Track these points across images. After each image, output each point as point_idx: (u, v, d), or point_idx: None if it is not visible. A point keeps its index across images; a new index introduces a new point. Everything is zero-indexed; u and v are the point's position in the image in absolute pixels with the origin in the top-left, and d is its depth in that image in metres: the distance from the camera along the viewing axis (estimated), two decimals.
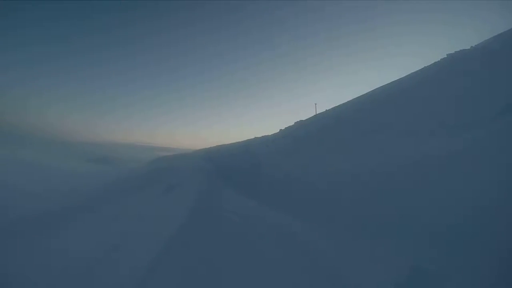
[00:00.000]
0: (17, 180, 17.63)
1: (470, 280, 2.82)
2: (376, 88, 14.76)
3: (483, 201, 3.50)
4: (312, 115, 19.76)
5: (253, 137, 17.63)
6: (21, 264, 5.95)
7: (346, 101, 14.28)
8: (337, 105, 14.72)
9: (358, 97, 13.92)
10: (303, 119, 19.56)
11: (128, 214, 9.32)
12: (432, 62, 12.75)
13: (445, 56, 11.96)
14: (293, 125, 16.75)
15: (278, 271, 3.65)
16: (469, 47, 11.61)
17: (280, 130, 16.97)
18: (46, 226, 8.68)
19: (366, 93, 14.63)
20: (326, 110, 15.74)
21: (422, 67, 13.33)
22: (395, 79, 14.49)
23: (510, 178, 3.59)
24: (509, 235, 2.95)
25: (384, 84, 15.00)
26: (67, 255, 6.07)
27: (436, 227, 3.59)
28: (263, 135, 17.48)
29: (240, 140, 18.69)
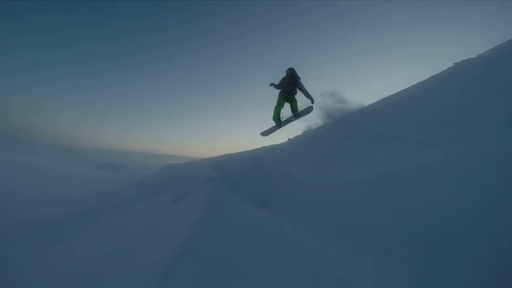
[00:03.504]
0: (25, 184, 18.10)
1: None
2: (383, 98, 14.82)
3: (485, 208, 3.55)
4: (320, 124, 19.84)
5: (261, 146, 17.71)
6: (29, 268, 6.15)
7: (353, 110, 14.33)
8: (345, 113, 14.80)
9: (365, 106, 13.97)
10: (312, 128, 19.63)
11: (136, 222, 9.38)
12: (440, 71, 12.83)
13: (452, 65, 12.03)
14: (301, 134, 16.84)
15: (287, 281, 3.70)
16: (475, 56, 11.69)
17: (289, 139, 17.05)
18: (53, 231, 8.89)
19: (373, 103, 14.66)
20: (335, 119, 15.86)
21: (430, 76, 13.40)
22: (403, 88, 14.55)
23: None
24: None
25: (392, 93, 15.07)
26: (75, 261, 6.26)
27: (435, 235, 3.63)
28: (271, 144, 17.58)
29: (248, 149, 18.83)
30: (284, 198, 7.35)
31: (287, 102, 7.29)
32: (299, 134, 16.68)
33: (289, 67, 7.10)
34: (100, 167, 53.90)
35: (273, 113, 7.55)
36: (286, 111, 8.17)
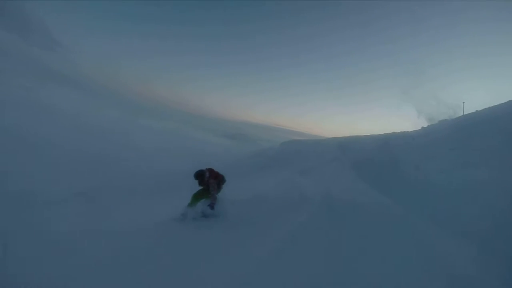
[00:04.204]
0: (159, 144, 20.99)
1: None
2: None
3: None
4: (459, 115, 17.70)
5: (391, 131, 16.83)
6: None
7: (498, 103, 12.25)
8: (488, 106, 12.77)
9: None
10: (448, 118, 17.68)
11: (257, 190, 10.06)
12: None
13: None
14: (437, 123, 15.40)
15: (409, 273, 3.58)
16: None
17: (422, 127, 15.80)
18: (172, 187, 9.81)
19: None
20: (476, 111, 13.85)
21: None
22: None
23: None
24: None
25: None
26: None
27: None
28: (402, 130, 16.57)
29: (375, 133, 18.14)
30: (412, 191, 6.98)
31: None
32: (434, 123, 15.32)
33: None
34: (227, 136, 58.78)
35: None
36: None
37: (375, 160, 10.36)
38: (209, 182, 5.68)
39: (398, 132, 15.83)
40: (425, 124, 16.19)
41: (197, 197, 5.80)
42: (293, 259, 3.90)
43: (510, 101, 12.23)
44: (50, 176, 8.58)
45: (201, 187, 5.83)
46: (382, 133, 16.85)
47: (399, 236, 4.77)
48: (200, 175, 5.72)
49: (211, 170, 5.97)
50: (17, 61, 31.77)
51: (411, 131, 15.89)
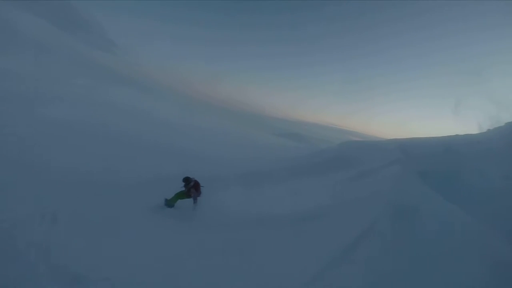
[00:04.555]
0: (209, 146, 21.62)
1: None
2: None
3: None
4: None
5: (454, 133, 16.34)
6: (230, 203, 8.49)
7: None
8: None
9: None
10: None
11: (320, 192, 10.37)
12: None
13: None
14: (503, 126, 14.81)
15: (476, 281, 3.77)
16: None
17: (488, 130, 15.28)
18: (250, 184, 10.87)
19: None
20: None
21: None
22: None
23: None
24: None
25: None
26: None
27: None
28: (466, 133, 16.10)
29: (437, 135, 17.67)
30: (478, 198, 7.12)
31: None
32: (500, 125, 14.74)
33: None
34: (283, 135, 58.81)
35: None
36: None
37: (438, 164, 10.29)
38: (191, 190, 7.84)
39: (462, 135, 15.39)
40: (491, 126, 15.53)
41: (178, 196, 7.85)
42: (361, 260, 4.24)
43: None
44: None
45: (182, 190, 7.93)
46: (445, 135, 16.46)
47: (467, 243, 4.81)
48: (186, 180, 7.98)
49: (196, 182, 8.09)
50: (78, 63, 34.45)
51: (476, 134, 15.43)
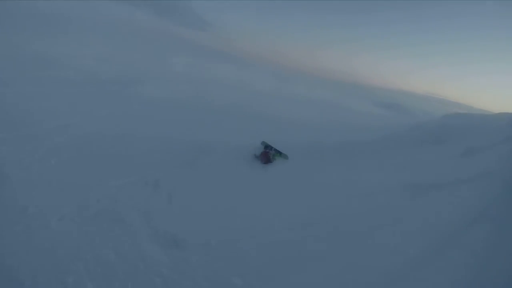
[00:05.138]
0: (307, 113, 22.22)
1: None
2: None
3: None
4: None
5: None
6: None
7: None
8: None
9: None
10: None
11: (420, 167, 9.70)
12: None
13: None
14: None
15: None
16: None
17: None
18: (349, 154, 11.00)
19: None
20: None
21: None
22: None
23: None
24: None
25: None
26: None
27: None
28: None
29: None
30: None
31: None
32: None
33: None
34: (383, 106, 55.24)
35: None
36: None
37: None
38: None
39: None
40: None
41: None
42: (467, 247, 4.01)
43: None
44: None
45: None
46: None
47: None
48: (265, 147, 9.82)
49: (263, 152, 9.61)
50: (174, 42, 36.46)
51: None
